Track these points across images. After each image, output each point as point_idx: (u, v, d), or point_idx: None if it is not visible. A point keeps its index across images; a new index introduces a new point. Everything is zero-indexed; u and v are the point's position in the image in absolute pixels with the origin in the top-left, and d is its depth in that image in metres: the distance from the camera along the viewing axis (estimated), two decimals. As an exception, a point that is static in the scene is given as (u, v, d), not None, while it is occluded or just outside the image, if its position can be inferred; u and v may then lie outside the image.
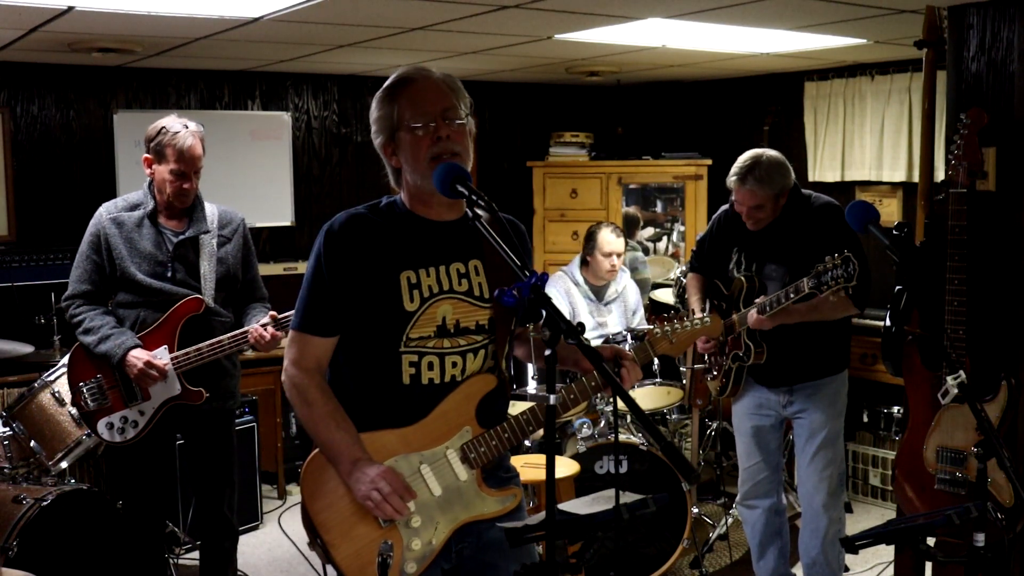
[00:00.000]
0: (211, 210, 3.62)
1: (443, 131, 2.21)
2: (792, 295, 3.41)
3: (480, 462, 2.29)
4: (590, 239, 5.00)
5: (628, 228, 6.52)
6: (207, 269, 3.55)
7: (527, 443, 4.84)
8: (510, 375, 2.38)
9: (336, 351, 2.33)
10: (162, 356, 3.47)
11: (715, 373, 3.93)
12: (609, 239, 4.95)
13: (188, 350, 3.48)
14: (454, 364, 2.28)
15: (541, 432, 4.96)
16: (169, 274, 3.50)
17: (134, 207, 3.55)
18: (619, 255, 4.98)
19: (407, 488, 2.22)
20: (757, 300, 3.57)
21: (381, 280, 2.23)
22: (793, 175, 3.66)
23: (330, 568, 2.30)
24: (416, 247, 2.27)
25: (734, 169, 3.63)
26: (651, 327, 2.53)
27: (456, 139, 2.23)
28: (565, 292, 4.97)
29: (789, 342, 3.64)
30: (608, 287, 5.07)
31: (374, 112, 2.29)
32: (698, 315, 2.52)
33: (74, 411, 3.77)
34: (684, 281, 4.22)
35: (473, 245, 2.32)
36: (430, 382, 2.26)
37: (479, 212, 2.10)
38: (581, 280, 5.03)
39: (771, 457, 3.87)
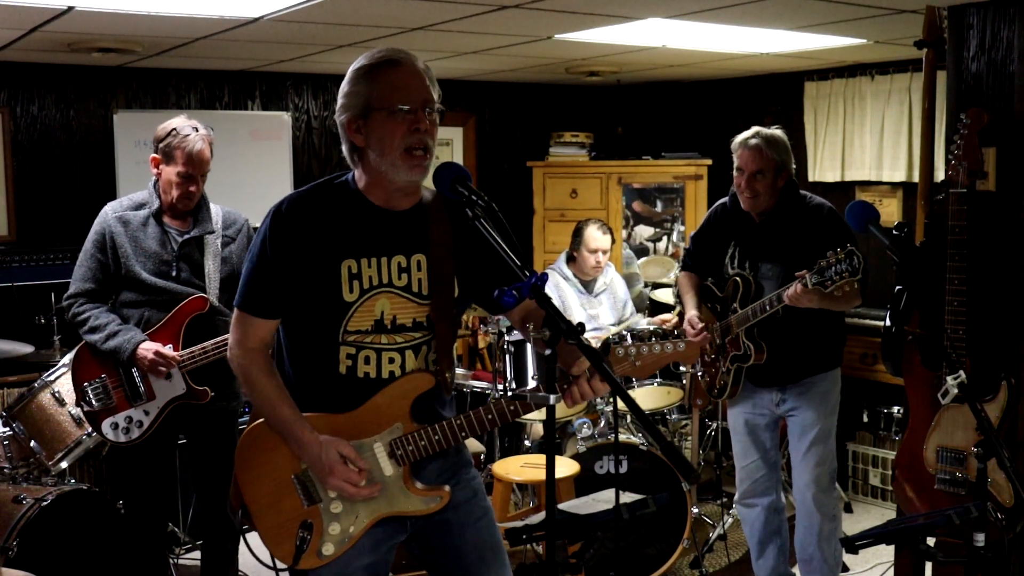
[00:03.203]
0: (215, 210, 3.63)
1: (422, 124, 2.20)
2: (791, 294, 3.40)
3: (407, 460, 2.29)
4: (577, 235, 5.12)
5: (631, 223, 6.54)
6: (211, 269, 3.55)
7: (527, 443, 4.85)
8: (452, 375, 2.37)
9: (281, 333, 2.36)
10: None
11: (704, 375, 3.94)
12: (595, 235, 5.05)
13: (193, 349, 3.48)
14: (391, 360, 2.28)
15: (540, 431, 4.99)
16: (174, 273, 3.51)
17: (139, 206, 3.55)
18: (605, 252, 5.06)
19: (358, 461, 2.25)
20: (788, 290, 3.43)
21: (322, 268, 2.23)
22: (794, 163, 3.71)
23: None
24: (360, 235, 2.25)
25: (738, 137, 3.71)
26: (617, 341, 2.40)
27: (431, 132, 2.23)
28: (555, 287, 5.01)
29: (781, 341, 3.65)
30: (596, 280, 5.17)
31: (347, 86, 2.25)
32: (669, 340, 2.31)
33: (74, 411, 3.77)
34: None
35: (420, 238, 2.30)
36: (365, 376, 2.27)
37: (477, 212, 2.10)
38: (570, 275, 5.13)
39: (767, 455, 3.87)
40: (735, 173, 3.70)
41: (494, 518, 2.47)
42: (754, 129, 3.70)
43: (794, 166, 3.72)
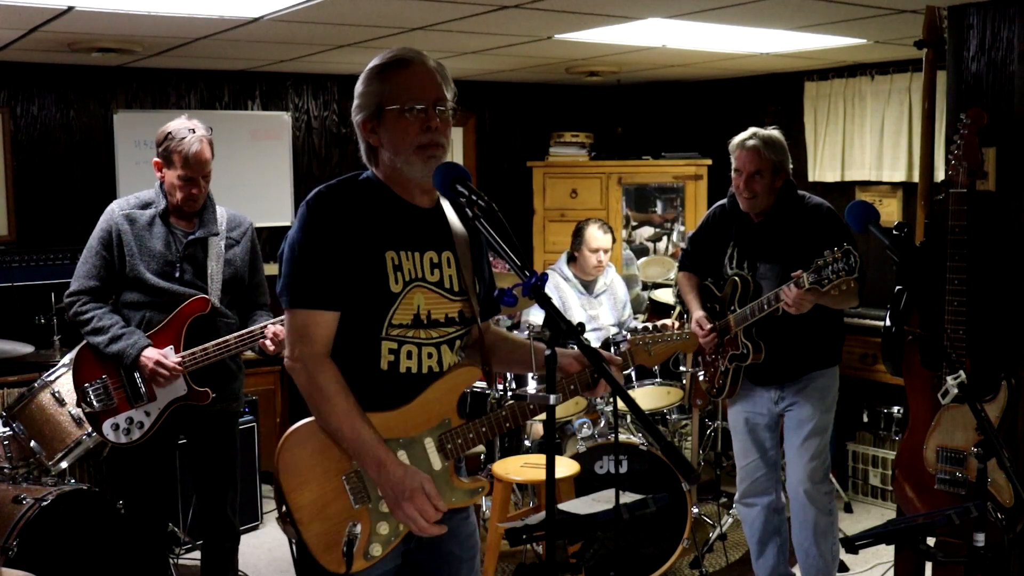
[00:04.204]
0: (220, 212, 3.62)
1: (433, 122, 2.21)
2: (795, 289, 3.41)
3: (455, 453, 2.29)
4: (578, 235, 5.10)
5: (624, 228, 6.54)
6: (214, 270, 3.54)
7: (527, 443, 4.85)
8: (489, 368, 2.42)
9: None
10: (170, 356, 3.47)
11: (703, 376, 3.95)
12: (596, 235, 5.04)
13: (194, 350, 3.48)
14: (430, 355, 2.28)
15: (540, 431, 4.99)
16: (177, 274, 3.49)
17: (145, 205, 3.54)
18: (606, 251, 5.05)
19: (436, 499, 2.20)
20: (790, 286, 3.46)
21: (367, 258, 2.21)
22: (791, 163, 3.72)
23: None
24: (398, 228, 2.26)
25: (735, 139, 3.72)
26: (630, 336, 2.55)
27: (443, 131, 2.24)
28: (555, 288, 5.01)
29: (780, 340, 3.66)
30: (597, 280, 5.16)
31: (361, 87, 2.26)
32: (676, 330, 2.53)
33: (74, 411, 3.77)
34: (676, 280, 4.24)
35: (445, 236, 2.32)
36: (407, 371, 2.26)
37: (478, 212, 2.10)
38: (570, 275, 5.11)
39: (767, 455, 3.88)
40: (733, 174, 3.71)
41: (479, 556, 2.49)
42: (751, 130, 3.71)
43: (791, 166, 3.73)
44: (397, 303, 2.23)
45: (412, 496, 2.17)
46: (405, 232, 2.27)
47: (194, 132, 3.46)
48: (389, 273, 2.22)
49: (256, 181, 5.87)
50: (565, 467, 4.02)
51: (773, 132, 3.71)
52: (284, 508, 2.25)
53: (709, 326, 3.77)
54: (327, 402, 2.21)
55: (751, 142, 3.65)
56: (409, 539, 2.33)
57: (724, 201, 3.88)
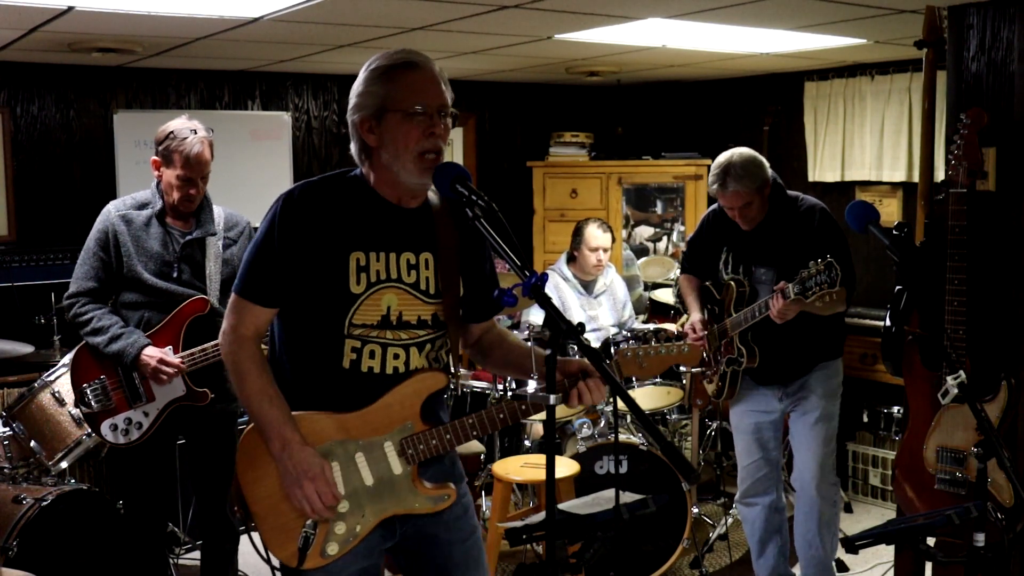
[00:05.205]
0: (218, 212, 3.62)
1: (438, 128, 2.21)
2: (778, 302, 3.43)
3: (417, 459, 2.29)
4: (577, 234, 5.11)
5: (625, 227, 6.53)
6: (212, 270, 3.55)
7: (527, 443, 4.85)
8: (458, 376, 2.40)
9: (277, 326, 2.31)
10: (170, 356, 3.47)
11: (710, 375, 3.96)
12: (596, 234, 5.04)
13: (193, 350, 3.48)
14: (396, 356, 2.27)
15: (540, 431, 4.99)
16: (175, 274, 3.49)
17: (142, 206, 3.54)
18: (605, 250, 5.05)
19: (333, 486, 2.22)
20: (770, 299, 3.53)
21: (330, 258, 2.21)
22: (770, 169, 3.68)
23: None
24: (371, 229, 2.26)
25: (711, 178, 3.67)
26: (624, 345, 2.49)
27: (444, 137, 2.24)
28: (554, 287, 5.01)
29: (782, 343, 3.66)
30: (596, 280, 5.16)
31: (361, 86, 2.24)
32: (675, 342, 2.44)
33: (74, 411, 3.77)
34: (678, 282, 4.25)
35: (428, 237, 2.31)
36: (369, 370, 2.25)
37: (478, 212, 2.10)
38: (570, 275, 5.11)
39: (770, 454, 3.88)
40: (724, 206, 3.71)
41: (480, 535, 2.48)
42: (720, 168, 3.62)
43: (773, 174, 3.68)
44: (358, 304, 2.22)
45: (315, 477, 2.19)
46: (380, 233, 2.26)
47: (196, 133, 3.46)
48: (351, 274, 2.22)
49: (256, 181, 5.86)
50: (565, 467, 4.02)
51: (743, 156, 3.61)
52: (243, 502, 2.26)
53: (703, 331, 3.79)
54: (242, 378, 2.26)
55: (731, 186, 3.58)
56: (390, 536, 2.33)
57: (716, 206, 3.87)
